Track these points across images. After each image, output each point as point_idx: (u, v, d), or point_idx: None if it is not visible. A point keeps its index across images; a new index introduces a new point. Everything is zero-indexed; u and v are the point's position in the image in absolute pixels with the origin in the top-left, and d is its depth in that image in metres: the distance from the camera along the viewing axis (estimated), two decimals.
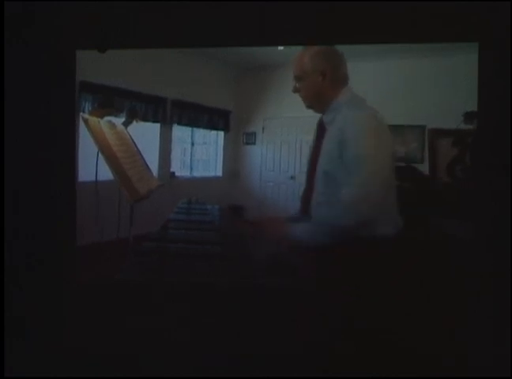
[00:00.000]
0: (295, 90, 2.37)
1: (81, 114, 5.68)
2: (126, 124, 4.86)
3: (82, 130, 3.96)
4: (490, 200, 2.31)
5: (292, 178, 6.90)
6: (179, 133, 8.26)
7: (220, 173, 9.25)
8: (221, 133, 9.13)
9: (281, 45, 4.35)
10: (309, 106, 2.40)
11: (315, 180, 2.31)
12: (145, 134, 7.02)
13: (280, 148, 8.84)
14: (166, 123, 7.69)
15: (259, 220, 2.58)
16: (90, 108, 6.17)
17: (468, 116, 5.37)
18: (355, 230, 2.09)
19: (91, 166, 4.13)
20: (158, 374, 2.37)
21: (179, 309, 2.48)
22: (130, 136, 4.74)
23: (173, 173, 7.91)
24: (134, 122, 5.07)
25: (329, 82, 2.28)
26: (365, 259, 2.12)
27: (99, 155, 3.62)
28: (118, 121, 4.73)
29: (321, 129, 2.37)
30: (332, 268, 2.16)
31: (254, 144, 9.28)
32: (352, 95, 2.32)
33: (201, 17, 2.37)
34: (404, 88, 7.47)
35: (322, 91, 2.30)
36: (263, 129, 9.13)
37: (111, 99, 6.31)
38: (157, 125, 7.60)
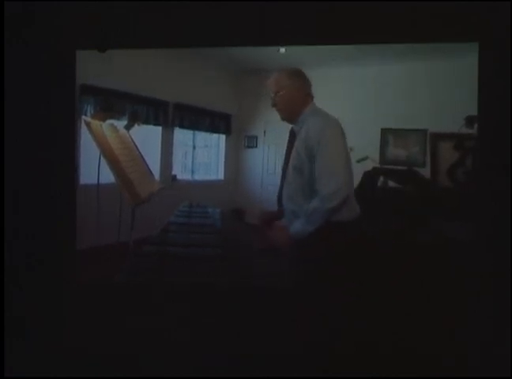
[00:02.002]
0: (274, 104, 2.81)
1: (83, 117, 5.70)
2: (128, 127, 4.86)
3: (84, 133, 3.96)
4: (490, 200, 2.31)
5: None
6: (181, 136, 8.27)
7: (221, 176, 9.26)
8: (223, 136, 9.15)
9: (281, 45, 4.35)
10: (284, 118, 2.87)
11: (286, 173, 2.86)
12: (147, 137, 7.03)
13: (282, 151, 8.80)
14: (167, 126, 7.70)
15: (262, 229, 2.94)
16: (92, 111, 6.18)
17: (470, 120, 5.39)
18: (338, 209, 2.52)
19: (93, 169, 4.14)
20: (158, 374, 2.36)
21: (179, 310, 2.48)
22: (132, 139, 4.74)
23: (174, 176, 7.91)
24: (136, 125, 5.06)
25: (302, 96, 2.76)
26: (333, 240, 2.53)
27: (101, 158, 3.63)
28: (120, 124, 4.73)
29: (292, 137, 2.90)
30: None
31: (256, 147, 9.30)
32: (315, 109, 2.78)
33: (201, 17, 2.37)
34: (406, 91, 7.48)
35: (296, 103, 2.77)
36: (264, 132, 9.15)
37: (112, 103, 6.32)
38: (159, 129, 7.61)
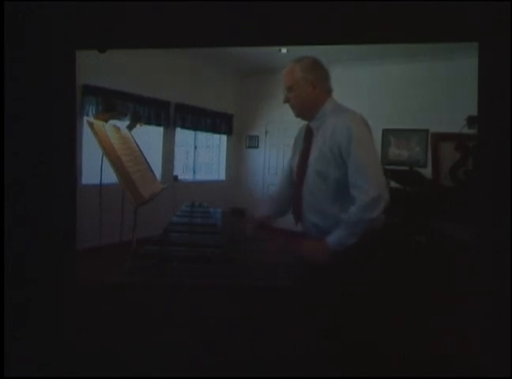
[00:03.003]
0: (287, 100, 2.61)
1: (86, 118, 5.73)
2: (130, 127, 4.88)
3: (87, 134, 3.98)
4: (490, 200, 2.30)
5: None
6: (182, 136, 8.30)
7: (222, 176, 9.29)
8: (224, 137, 9.20)
9: (282, 45, 4.34)
10: (298, 115, 2.66)
11: (306, 179, 2.59)
12: (149, 138, 7.06)
13: (283, 151, 8.89)
14: (169, 126, 7.74)
15: (295, 242, 2.63)
16: (95, 112, 6.22)
17: (472, 120, 5.40)
18: (377, 220, 2.36)
19: (96, 169, 4.16)
20: (158, 374, 2.36)
21: (180, 310, 2.48)
22: (134, 139, 4.76)
23: (176, 176, 7.95)
24: (138, 126, 5.09)
25: (318, 92, 2.56)
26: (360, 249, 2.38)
27: (104, 158, 3.64)
28: (123, 124, 4.75)
29: (308, 135, 2.65)
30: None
31: (257, 147, 9.35)
32: (336, 104, 2.59)
33: (201, 17, 2.37)
34: (407, 92, 7.49)
35: (311, 100, 2.56)
36: (266, 132, 9.19)
37: (115, 103, 6.34)
38: (161, 129, 7.64)
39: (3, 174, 2.32)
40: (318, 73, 2.58)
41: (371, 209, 2.30)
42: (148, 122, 7.15)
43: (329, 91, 2.62)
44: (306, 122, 2.71)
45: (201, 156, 8.96)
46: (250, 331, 2.43)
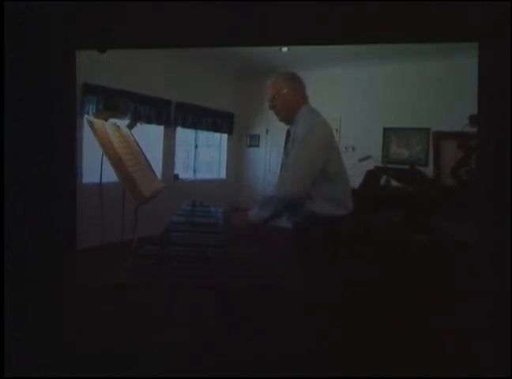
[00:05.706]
0: (272, 106, 2.91)
1: (86, 116, 5.71)
2: (131, 126, 4.86)
3: (87, 132, 3.97)
4: (491, 200, 2.30)
5: None
6: (183, 135, 8.29)
7: (223, 175, 9.29)
8: (225, 136, 9.18)
9: (283, 45, 4.34)
10: (281, 120, 2.97)
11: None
12: (149, 136, 7.04)
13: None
14: (170, 125, 7.72)
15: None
16: (95, 110, 6.20)
17: (474, 119, 5.37)
18: (285, 201, 2.68)
19: (96, 167, 4.15)
20: (158, 374, 2.37)
21: (180, 310, 2.48)
22: (135, 138, 4.75)
23: (176, 175, 7.94)
24: (138, 125, 5.07)
25: (298, 97, 2.86)
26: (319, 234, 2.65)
27: (104, 157, 3.63)
28: (123, 123, 4.73)
29: (288, 137, 2.97)
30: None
31: (258, 146, 9.34)
32: (309, 110, 2.86)
33: (201, 17, 2.37)
34: (409, 90, 7.47)
35: (292, 105, 2.86)
36: (267, 131, 9.18)
37: (116, 102, 6.33)
38: (161, 128, 7.63)
39: (3, 174, 2.32)
40: (297, 83, 2.89)
41: (277, 190, 2.69)
42: (149, 121, 7.13)
43: (305, 99, 2.91)
44: None
45: (202, 155, 8.95)
46: (250, 331, 2.43)
